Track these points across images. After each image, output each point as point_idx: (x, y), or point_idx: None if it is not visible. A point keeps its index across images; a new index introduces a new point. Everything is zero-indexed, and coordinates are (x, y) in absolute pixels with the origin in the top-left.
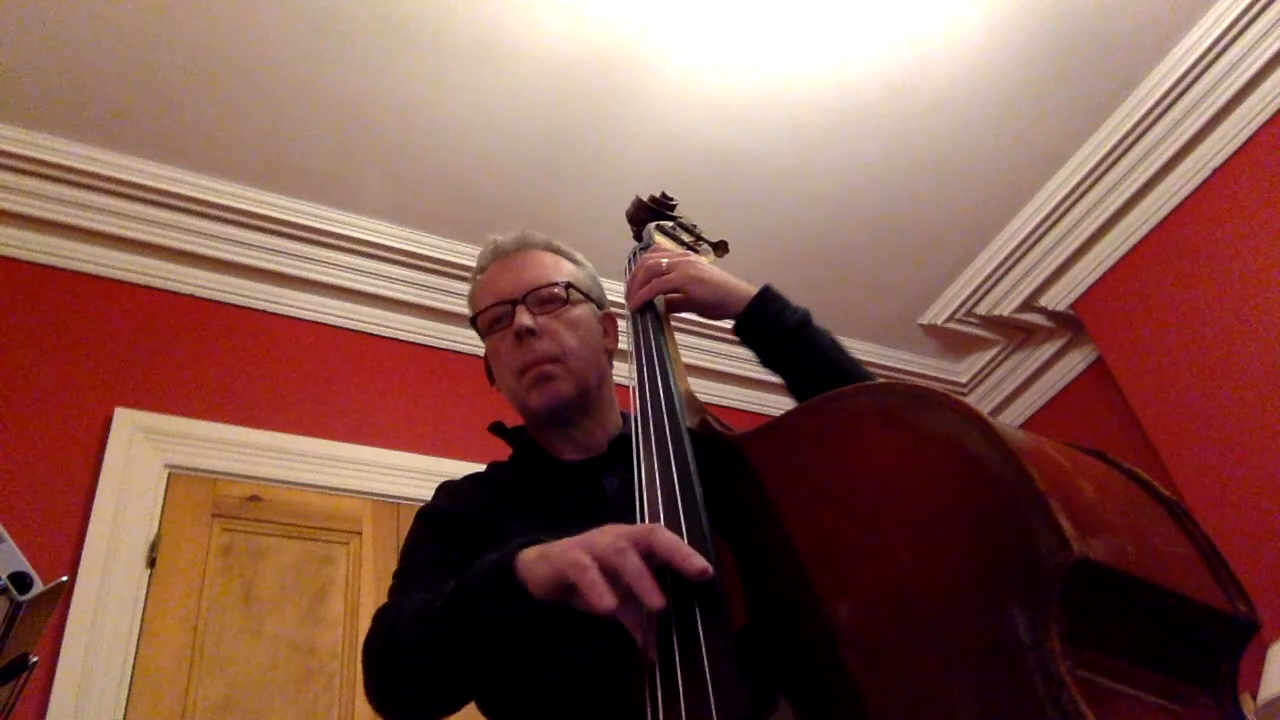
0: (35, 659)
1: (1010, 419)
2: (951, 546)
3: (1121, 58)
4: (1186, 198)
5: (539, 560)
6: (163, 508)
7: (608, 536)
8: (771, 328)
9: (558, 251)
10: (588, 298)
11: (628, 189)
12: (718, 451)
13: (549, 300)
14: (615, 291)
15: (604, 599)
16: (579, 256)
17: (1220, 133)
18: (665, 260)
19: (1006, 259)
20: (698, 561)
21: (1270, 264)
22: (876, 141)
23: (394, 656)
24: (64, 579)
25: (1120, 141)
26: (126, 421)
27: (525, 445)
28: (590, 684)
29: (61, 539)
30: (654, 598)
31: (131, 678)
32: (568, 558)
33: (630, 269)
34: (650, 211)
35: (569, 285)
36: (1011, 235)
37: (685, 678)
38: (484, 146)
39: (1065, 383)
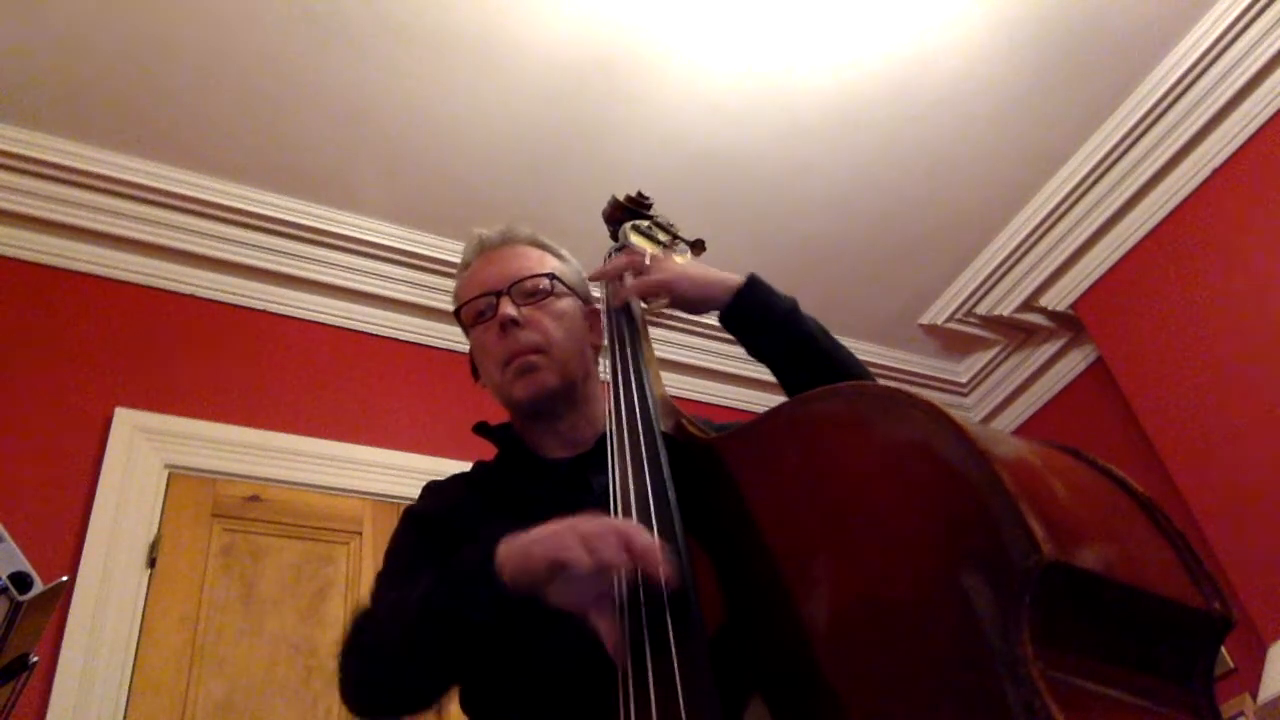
0: (35, 659)
1: (1010, 419)
2: (922, 549)
3: (1121, 58)
4: (1186, 198)
5: (517, 543)
6: (163, 508)
7: (592, 522)
8: (759, 318)
9: (542, 246)
10: (573, 292)
11: (627, 189)
12: (693, 455)
13: (533, 292)
14: (596, 289)
15: (583, 560)
16: (564, 252)
17: (1220, 133)
18: (647, 257)
19: (1006, 259)
20: (664, 569)
21: (1270, 264)
22: (877, 141)
23: (368, 649)
24: (64, 579)
25: (1120, 141)
26: (126, 421)
27: (511, 443)
28: (565, 689)
29: (61, 539)
30: (617, 556)
31: (131, 678)
32: (550, 535)
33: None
34: (626, 211)
35: (553, 277)
36: (1011, 235)
37: (657, 682)
38: (484, 146)
39: (1065, 383)
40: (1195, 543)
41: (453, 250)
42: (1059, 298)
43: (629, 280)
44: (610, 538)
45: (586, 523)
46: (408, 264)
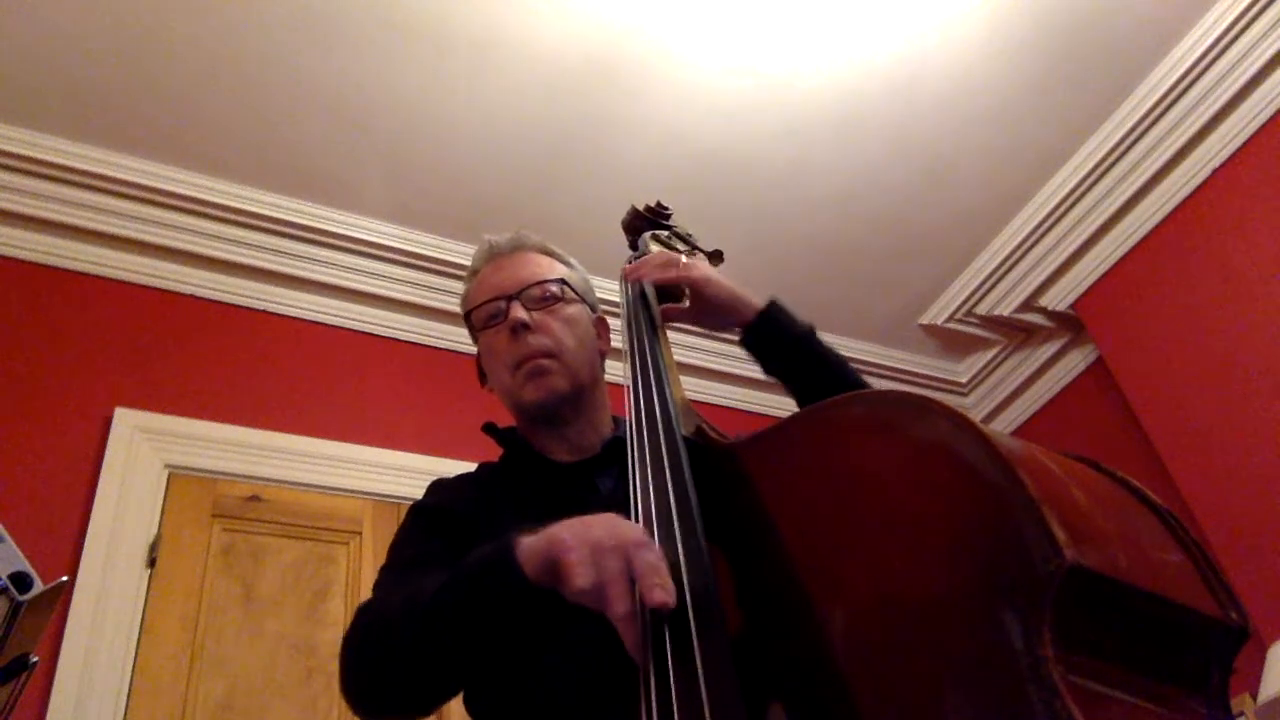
0: (35, 659)
1: (1010, 419)
2: (944, 553)
3: (1121, 58)
4: (1186, 198)
5: (537, 538)
6: (163, 508)
7: (602, 529)
8: (782, 336)
9: (552, 254)
10: (582, 299)
11: (627, 189)
12: (713, 459)
13: (544, 298)
14: (610, 290)
15: (580, 578)
16: (573, 260)
17: (1220, 133)
18: (683, 258)
19: (1006, 259)
20: (659, 595)
21: (1270, 264)
22: (877, 141)
23: (379, 644)
24: (64, 579)
25: (1120, 141)
26: (126, 421)
27: (517, 445)
28: (582, 692)
29: (61, 539)
30: (618, 605)
31: (131, 678)
32: (559, 536)
33: (626, 281)
34: (646, 220)
35: (563, 283)
36: (1011, 235)
37: (680, 686)
38: (484, 146)
39: (1065, 383)
40: None
41: (453, 250)
42: (1059, 298)
43: (662, 270)
44: (614, 553)
45: (598, 527)
46: (408, 264)
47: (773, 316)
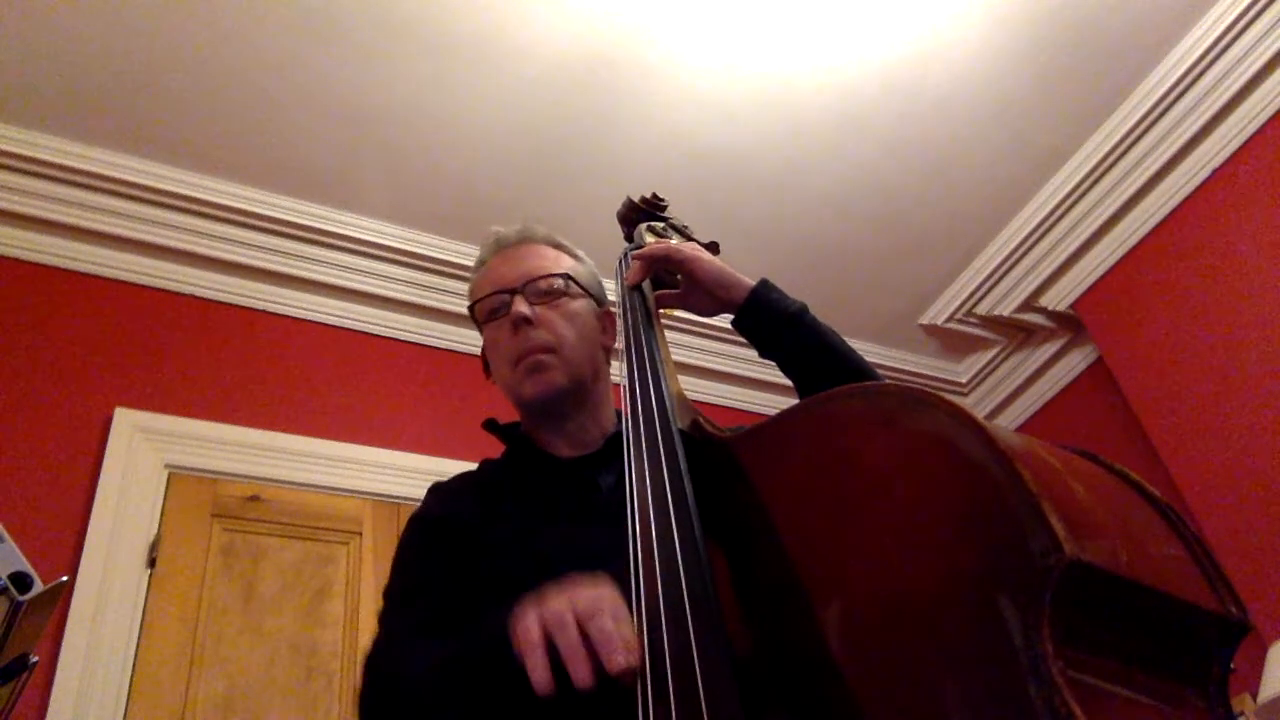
0: (35, 659)
1: (1010, 419)
2: (944, 548)
3: (1121, 58)
4: (1186, 198)
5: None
6: (163, 508)
7: (557, 603)
8: (773, 315)
9: (559, 246)
10: (587, 293)
11: (627, 189)
12: (709, 453)
13: (548, 292)
14: (612, 289)
15: (542, 685)
16: (580, 253)
17: (1220, 133)
18: (674, 241)
19: (1006, 259)
20: (619, 660)
21: (1270, 264)
22: (877, 141)
23: (392, 708)
24: (64, 579)
25: (1120, 141)
26: (126, 421)
27: (519, 441)
28: (576, 698)
29: (61, 539)
30: (581, 677)
31: (131, 678)
32: (520, 629)
33: (621, 270)
34: (641, 212)
35: (568, 277)
36: (1011, 235)
37: (678, 687)
38: (484, 146)
39: (1065, 383)
40: None
41: (453, 250)
42: (1059, 298)
43: (652, 250)
44: (569, 627)
45: (552, 602)
46: (408, 264)
47: (763, 295)
